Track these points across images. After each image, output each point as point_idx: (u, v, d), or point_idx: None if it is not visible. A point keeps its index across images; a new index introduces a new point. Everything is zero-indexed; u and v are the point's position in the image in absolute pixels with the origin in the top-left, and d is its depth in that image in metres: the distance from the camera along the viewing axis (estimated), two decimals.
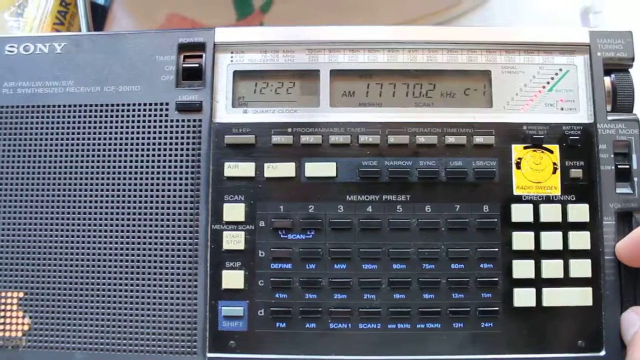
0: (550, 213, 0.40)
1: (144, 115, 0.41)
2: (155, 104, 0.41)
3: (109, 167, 0.40)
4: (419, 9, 0.59)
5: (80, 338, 0.39)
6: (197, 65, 0.42)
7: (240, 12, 0.61)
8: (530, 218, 0.40)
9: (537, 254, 0.39)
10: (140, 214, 0.40)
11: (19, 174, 0.41)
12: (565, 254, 0.39)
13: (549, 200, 0.40)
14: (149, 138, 0.40)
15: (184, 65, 0.42)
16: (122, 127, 0.41)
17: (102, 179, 0.40)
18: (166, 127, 0.41)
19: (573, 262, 0.39)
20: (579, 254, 0.39)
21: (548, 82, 0.42)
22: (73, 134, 0.41)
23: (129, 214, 0.40)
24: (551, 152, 0.40)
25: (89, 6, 0.49)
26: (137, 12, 0.60)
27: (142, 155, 0.40)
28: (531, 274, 0.39)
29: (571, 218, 0.40)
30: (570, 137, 0.40)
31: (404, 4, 0.60)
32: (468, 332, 0.39)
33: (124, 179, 0.40)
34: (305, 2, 0.59)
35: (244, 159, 0.40)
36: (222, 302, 0.39)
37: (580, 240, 0.39)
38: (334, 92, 0.41)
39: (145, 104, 0.41)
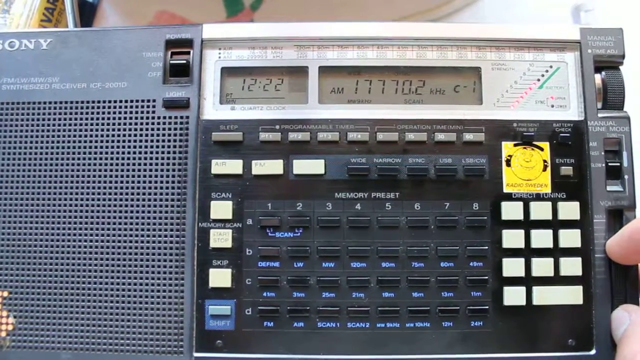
0: (540, 211, 0.39)
1: (131, 112, 0.40)
2: (142, 101, 0.40)
3: (95, 164, 0.40)
4: (410, 6, 0.59)
5: (65, 338, 0.39)
6: (184, 61, 0.41)
7: (230, 10, 0.60)
8: (520, 216, 0.39)
9: (528, 252, 0.39)
10: (126, 211, 0.39)
11: (3, 171, 0.40)
12: (556, 252, 0.39)
13: (539, 197, 0.40)
14: (135, 135, 0.40)
15: (171, 61, 0.41)
16: (108, 124, 0.40)
17: (88, 176, 0.40)
18: (153, 124, 0.40)
19: (563, 260, 0.39)
20: (570, 252, 0.39)
21: (538, 79, 0.41)
22: (59, 131, 0.40)
23: (115, 211, 0.39)
24: (541, 149, 0.40)
25: (76, 3, 0.49)
26: (125, 9, 0.60)
27: (129, 153, 0.40)
28: (521, 272, 0.39)
29: (561, 216, 0.39)
30: (561, 135, 0.40)
31: (396, 2, 0.59)
32: (457, 331, 0.39)
33: (110, 176, 0.40)
34: None
35: (232, 156, 0.40)
36: (209, 301, 0.39)
37: (570, 238, 0.39)
38: (323, 89, 0.41)
39: (132, 101, 0.40)
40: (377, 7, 0.60)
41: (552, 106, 0.41)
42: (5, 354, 0.39)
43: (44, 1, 0.55)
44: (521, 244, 0.39)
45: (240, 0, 0.60)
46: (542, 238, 0.39)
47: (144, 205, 0.39)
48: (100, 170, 0.40)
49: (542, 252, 0.39)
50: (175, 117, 0.40)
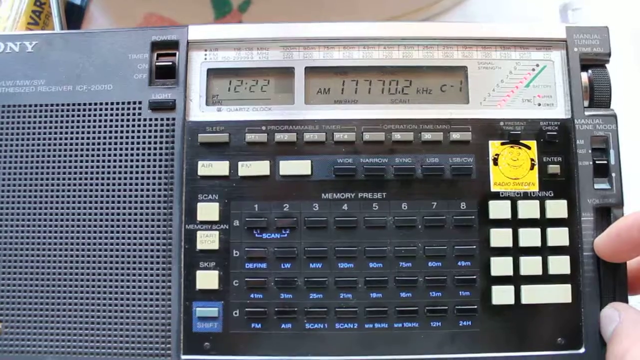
0: (528, 209, 0.39)
1: (117, 115, 0.40)
2: (128, 103, 0.40)
3: (81, 167, 0.40)
4: (399, 7, 0.59)
5: (52, 342, 0.39)
6: (170, 63, 0.41)
7: (218, 11, 0.60)
8: (508, 215, 0.39)
9: (516, 251, 0.39)
10: (112, 214, 0.39)
11: None
12: (544, 250, 0.39)
13: (526, 196, 0.40)
14: (121, 137, 0.40)
15: (157, 63, 0.41)
16: (94, 127, 0.40)
17: (74, 179, 0.40)
18: (139, 126, 0.40)
19: (552, 259, 0.39)
20: (558, 250, 0.39)
21: (525, 78, 0.41)
22: (44, 134, 0.40)
23: (101, 214, 0.39)
24: (529, 148, 0.40)
25: (62, 5, 0.49)
26: (114, 12, 0.60)
27: (115, 155, 0.40)
28: (509, 271, 0.39)
29: (549, 214, 0.39)
30: (548, 133, 0.40)
31: (385, 3, 0.59)
32: (446, 330, 0.39)
33: (96, 179, 0.39)
34: (283, 1, 0.58)
35: (218, 157, 0.40)
36: (197, 302, 0.39)
37: (558, 236, 0.39)
38: (309, 90, 0.41)
39: (118, 103, 0.40)
40: (366, 8, 0.60)
41: (539, 104, 0.41)
42: None
43: (31, 4, 0.55)
44: (509, 243, 0.39)
45: (228, 2, 0.60)
46: (530, 237, 0.39)
47: (130, 208, 0.39)
48: (86, 173, 0.40)
49: (530, 251, 0.39)
50: (162, 119, 0.40)
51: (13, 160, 0.40)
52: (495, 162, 0.40)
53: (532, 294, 0.39)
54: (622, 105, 0.41)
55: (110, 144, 0.40)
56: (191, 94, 0.41)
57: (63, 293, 0.39)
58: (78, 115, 0.40)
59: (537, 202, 0.39)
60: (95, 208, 0.39)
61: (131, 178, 0.39)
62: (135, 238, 0.39)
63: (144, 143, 0.40)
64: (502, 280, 0.39)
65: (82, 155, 0.40)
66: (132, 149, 0.40)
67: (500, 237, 0.39)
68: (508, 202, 0.39)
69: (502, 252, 0.39)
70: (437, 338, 0.39)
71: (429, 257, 0.39)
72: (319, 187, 0.39)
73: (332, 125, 0.40)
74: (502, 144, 0.40)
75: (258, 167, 0.40)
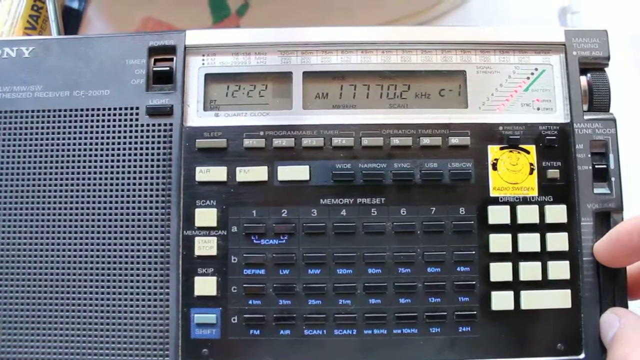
0: (527, 214, 0.39)
1: (114, 120, 0.40)
2: (126, 109, 0.40)
3: (78, 173, 0.39)
4: (398, 10, 0.59)
5: (49, 349, 0.38)
6: (167, 68, 0.41)
7: (217, 16, 0.60)
8: (507, 220, 0.39)
9: (515, 256, 0.39)
10: (110, 220, 0.39)
11: None
12: (543, 255, 0.39)
13: (526, 201, 0.39)
14: (119, 143, 0.40)
15: (155, 68, 0.41)
16: (91, 132, 0.40)
17: (72, 185, 0.39)
18: (136, 131, 0.40)
19: (551, 264, 0.39)
20: (557, 255, 0.39)
21: (524, 82, 0.41)
22: (42, 139, 0.40)
23: (99, 220, 0.39)
24: (528, 152, 0.40)
25: (59, 10, 0.49)
26: (111, 17, 0.60)
27: (112, 161, 0.40)
28: (509, 277, 0.39)
29: (549, 219, 0.39)
30: (547, 137, 0.40)
31: (383, 6, 0.59)
32: (445, 336, 0.38)
33: (94, 184, 0.39)
34: (282, 5, 0.58)
35: (216, 163, 0.40)
36: (195, 309, 0.38)
37: (558, 241, 0.39)
38: (307, 94, 0.41)
39: (115, 109, 0.40)
40: (364, 12, 0.60)
41: (538, 109, 0.41)
42: None
43: (28, 9, 0.55)
44: (508, 248, 0.39)
45: (226, 6, 0.60)
46: (529, 242, 0.39)
47: (128, 214, 0.39)
48: (83, 179, 0.39)
49: (529, 256, 0.39)
50: (159, 125, 0.40)
51: (9, 167, 0.40)
52: (494, 167, 0.40)
53: (532, 300, 0.38)
54: (622, 109, 0.41)
55: (107, 149, 0.40)
56: (189, 99, 0.41)
57: (61, 300, 0.39)
58: (75, 121, 0.40)
59: (536, 207, 0.39)
60: (93, 214, 0.39)
61: (129, 184, 0.39)
62: (133, 244, 0.39)
63: (141, 149, 0.40)
64: (502, 285, 0.39)
65: (79, 161, 0.40)
66: (129, 154, 0.40)
67: (499, 243, 0.39)
68: (507, 207, 0.39)
69: (501, 257, 0.39)
70: (437, 344, 0.38)
71: (428, 262, 0.39)
72: (318, 192, 0.39)
73: (330, 130, 0.40)
74: (501, 148, 0.40)
75: (256, 173, 0.39)
